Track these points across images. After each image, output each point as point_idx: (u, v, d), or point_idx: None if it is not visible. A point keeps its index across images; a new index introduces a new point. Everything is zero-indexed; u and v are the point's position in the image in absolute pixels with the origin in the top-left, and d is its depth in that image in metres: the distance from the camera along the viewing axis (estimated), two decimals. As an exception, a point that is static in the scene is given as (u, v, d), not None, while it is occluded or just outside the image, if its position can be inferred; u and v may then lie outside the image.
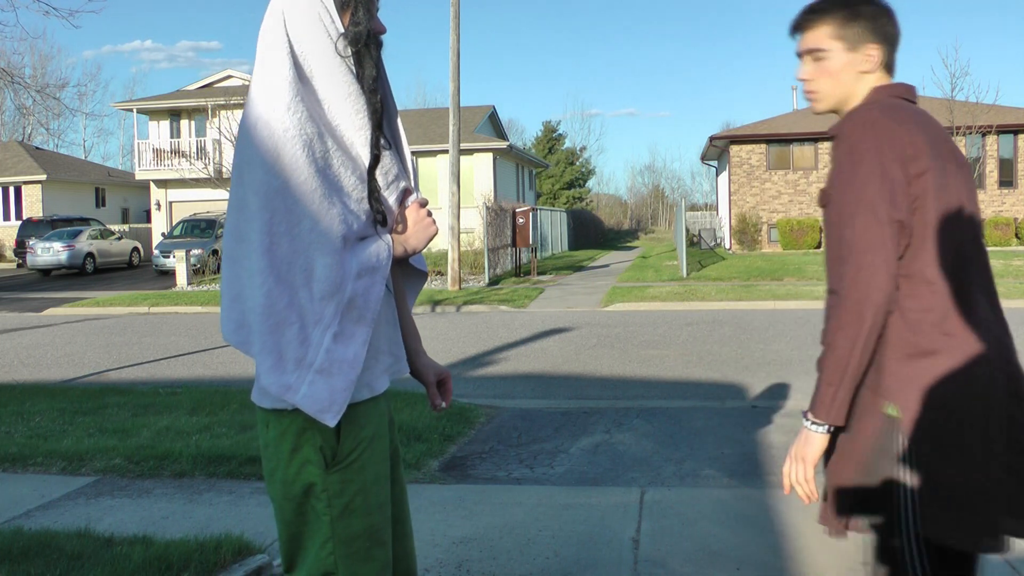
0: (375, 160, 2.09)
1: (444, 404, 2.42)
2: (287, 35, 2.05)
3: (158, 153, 37.70)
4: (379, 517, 2.13)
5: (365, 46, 2.11)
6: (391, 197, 2.14)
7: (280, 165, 1.98)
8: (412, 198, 2.20)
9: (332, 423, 2.00)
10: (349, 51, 2.09)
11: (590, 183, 74.48)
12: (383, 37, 2.20)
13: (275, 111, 2.00)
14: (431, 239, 2.20)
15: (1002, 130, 31.64)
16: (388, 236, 2.11)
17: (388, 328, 2.20)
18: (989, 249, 23.66)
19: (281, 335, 1.99)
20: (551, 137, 67.88)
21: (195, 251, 27.26)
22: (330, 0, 2.08)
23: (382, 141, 2.12)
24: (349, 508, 2.07)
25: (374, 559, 2.10)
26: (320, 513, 2.06)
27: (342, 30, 2.08)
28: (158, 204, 38.37)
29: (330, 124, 2.05)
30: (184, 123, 38.50)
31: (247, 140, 2.04)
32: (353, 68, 2.10)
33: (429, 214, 2.21)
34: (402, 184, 2.18)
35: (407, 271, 2.42)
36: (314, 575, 2.08)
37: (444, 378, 2.43)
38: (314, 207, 1.98)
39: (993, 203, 32.72)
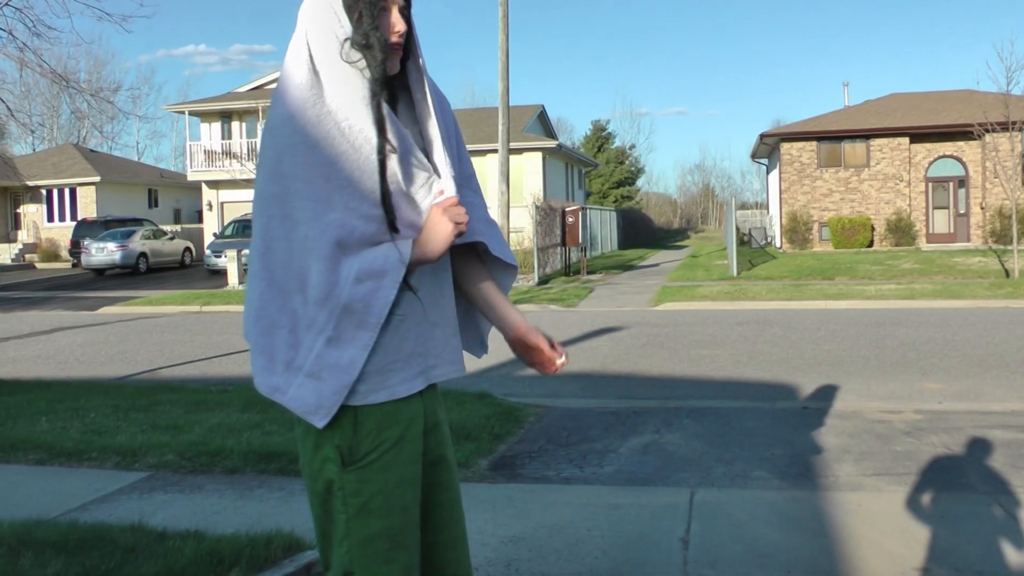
0: (381, 166, 2.03)
1: (563, 360, 2.28)
2: (306, 38, 2.05)
3: (209, 155, 38.16)
4: (400, 519, 2.09)
5: (368, 49, 2.03)
6: (413, 200, 2.07)
7: (279, 172, 2.00)
8: (440, 198, 2.10)
9: (320, 424, 2.01)
10: (354, 56, 2.03)
11: (639, 182, 74.29)
12: (417, 33, 2.14)
13: (280, 117, 2.01)
14: (448, 240, 2.05)
15: (1061, 126, 31.00)
16: (407, 241, 2.04)
17: (421, 331, 2.12)
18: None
19: (272, 338, 2.03)
20: (600, 136, 67.69)
21: (246, 251, 27.50)
22: (338, 2, 2.04)
23: (388, 146, 2.03)
24: (366, 508, 2.05)
25: (394, 561, 2.07)
26: (338, 511, 2.06)
27: (350, 33, 2.03)
28: (209, 204, 38.85)
29: (341, 129, 2.01)
30: (235, 125, 38.94)
31: (261, 143, 2.08)
32: (362, 72, 2.04)
33: (455, 209, 2.07)
34: (432, 186, 2.10)
35: (493, 265, 2.34)
36: (338, 574, 2.07)
37: (551, 339, 2.31)
38: (310, 213, 1.97)
39: (1051, 201, 32.06)
